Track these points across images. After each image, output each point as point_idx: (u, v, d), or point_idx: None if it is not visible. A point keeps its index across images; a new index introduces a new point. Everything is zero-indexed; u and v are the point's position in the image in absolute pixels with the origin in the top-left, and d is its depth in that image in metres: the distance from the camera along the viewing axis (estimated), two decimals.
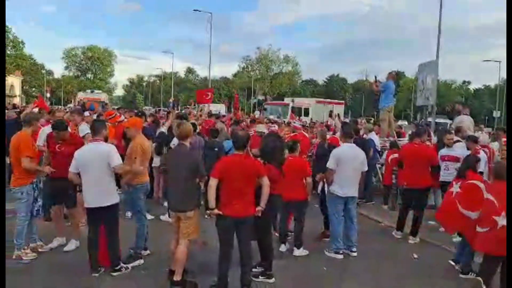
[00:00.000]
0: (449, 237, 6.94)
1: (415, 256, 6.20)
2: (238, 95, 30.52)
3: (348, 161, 6.04)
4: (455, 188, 5.47)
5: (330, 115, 15.88)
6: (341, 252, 6.06)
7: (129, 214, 6.90)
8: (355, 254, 6.17)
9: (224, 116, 18.43)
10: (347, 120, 30.55)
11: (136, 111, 12.05)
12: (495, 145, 8.91)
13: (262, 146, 5.35)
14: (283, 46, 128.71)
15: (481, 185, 5.21)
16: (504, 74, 65.20)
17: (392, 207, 9.02)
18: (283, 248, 6.14)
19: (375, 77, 12.25)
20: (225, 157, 4.92)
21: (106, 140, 5.44)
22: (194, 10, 32.49)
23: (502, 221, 4.59)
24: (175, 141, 6.68)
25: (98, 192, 4.94)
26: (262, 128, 9.72)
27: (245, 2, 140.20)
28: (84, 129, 7.06)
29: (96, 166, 4.91)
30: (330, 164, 6.02)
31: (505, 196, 4.63)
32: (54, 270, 5.18)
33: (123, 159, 5.38)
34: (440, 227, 7.46)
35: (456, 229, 5.92)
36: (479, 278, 4.83)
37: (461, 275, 5.44)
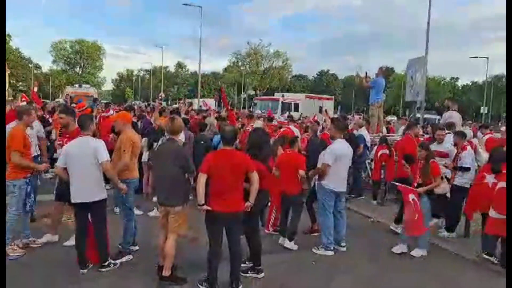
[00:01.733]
0: (436, 231, 7.07)
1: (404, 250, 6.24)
2: (228, 90, 30.42)
3: (343, 157, 6.09)
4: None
5: (320, 111, 15.94)
6: (331, 248, 6.09)
7: (117, 209, 6.85)
8: (344, 248, 6.22)
9: (215, 111, 18.34)
10: (336, 116, 30.88)
11: (125, 105, 11.83)
12: (475, 141, 9.09)
13: (248, 142, 5.34)
14: (275, 41, 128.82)
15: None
16: (491, 71, 66.04)
17: (380, 203, 9.09)
18: (289, 244, 6.17)
19: (366, 73, 12.29)
20: (213, 152, 4.89)
21: (94, 135, 5.37)
22: (184, 4, 31.99)
23: None
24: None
25: (86, 187, 4.88)
26: (259, 124, 9.69)
27: None
28: None
29: (84, 161, 4.85)
30: (328, 160, 6.02)
31: None
32: (41, 266, 5.13)
33: (111, 154, 5.33)
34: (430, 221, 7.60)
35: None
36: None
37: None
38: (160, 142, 7.76)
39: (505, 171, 5.71)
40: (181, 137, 6.59)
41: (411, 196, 6.05)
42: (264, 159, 5.16)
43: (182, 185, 4.81)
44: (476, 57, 45.03)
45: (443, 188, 6.36)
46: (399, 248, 6.14)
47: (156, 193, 5.36)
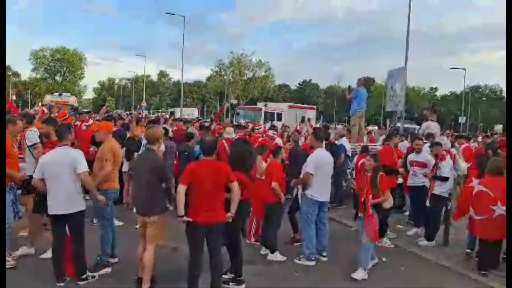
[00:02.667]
0: (415, 240, 7.16)
1: (384, 259, 6.29)
2: (210, 99, 30.41)
3: (324, 166, 6.13)
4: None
5: (302, 120, 16.00)
6: (313, 258, 6.09)
7: (96, 220, 6.73)
8: (325, 258, 6.23)
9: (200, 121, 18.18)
10: (319, 125, 31.10)
11: (105, 114, 11.61)
12: (454, 150, 9.27)
13: (230, 153, 5.34)
14: (257, 49, 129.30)
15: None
16: (468, 81, 67.69)
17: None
18: (272, 256, 6.13)
19: (349, 86, 12.43)
20: (193, 163, 4.87)
21: (73, 144, 5.29)
22: (167, 13, 31.95)
23: (498, 209, 5.44)
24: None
25: (64, 199, 4.78)
26: (230, 131, 9.52)
27: (221, 4, 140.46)
28: (31, 137, 6.01)
29: (62, 172, 4.76)
30: (310, 169, 6.04)
31: (499, 188, 5.48)
32: (18, 280, 4.97)
33: (90, 165, 5.25)
34: (407, 231, 7.71)
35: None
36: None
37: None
38: (140, 151, 7.73)
39: (487, 176, 5.90)
40: (162, 147, 6.55)
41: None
42: (247, 170, 5.16)
43: (159, 194, 4.78)
44: (455, 68, 46.16)
45: (390, 202, 6.16)
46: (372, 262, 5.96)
47: (134, 203, 5.29)
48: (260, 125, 12.54)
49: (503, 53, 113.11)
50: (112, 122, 8.97)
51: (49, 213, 4.87)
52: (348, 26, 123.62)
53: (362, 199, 5.65)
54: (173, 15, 31.56)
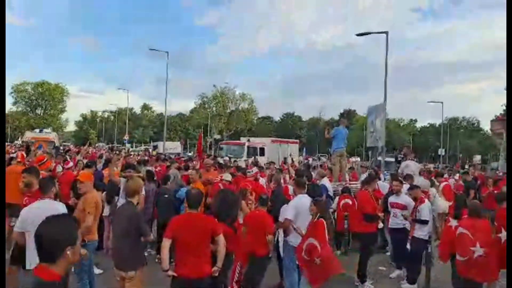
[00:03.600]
0: (398, 282, 7.16)
1: None
2: (194, 132, 30.40)
3: (305, 212, 6.11)
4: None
5: (285, 162, 16.10)
6: None
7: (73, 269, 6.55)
8: None
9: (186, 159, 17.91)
10: (301, 159, 31.24)
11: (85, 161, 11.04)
12: (433, 191, 9.40)
13: (215, 204, 5.32)
14: (240, 82, 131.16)
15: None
16: (446, 114, 69.51)
17: (344, 252, 9.15)
18: None
19: (327, 124, 12.67)
20: (177, 216, 4.85)
21: (56, 197, 5.23)
22: (150, 49, 32.22)
23: (477, 251, 5.50)
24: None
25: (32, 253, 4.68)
26: (228, 177, 9.09)
27: (206, 38, 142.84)
28: None
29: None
30: (289, 215, 6.01)
31: (478, 231, 5.57)
32: None
33: (70, 209, 5.18)
34: (390, 274, 7.72)
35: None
36: None
37: None
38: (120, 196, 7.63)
39: (465, 216, 6.00)
40: (142, 193, 6.49)
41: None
42: (232, 220, 5.14)
43: (137, 249, 4.71)
44: (433, 102, 47.48)
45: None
46: None
47: (112, 257, 5.19)
48: (251, 168, 12.36)
49: (478, 85, 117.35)
50: (93, 168, 8.89)
51: (27, 267, 4.73)
52: (328, 59, 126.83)
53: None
54: (157, 51, 31.83)
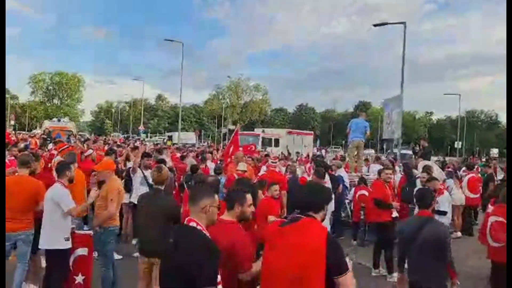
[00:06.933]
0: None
1: None
2: (208, 123, 30.34)
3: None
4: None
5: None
6: None
7: (95, 253, 6.67)
8: None
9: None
10: (315, 149, 31.13)
11: (106, 148, 11.33)
12: (451, 182, 9.32)
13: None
14: (255, 74, 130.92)
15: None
16: (463, 106, 68.47)
17: (361, 243, 9.15)
18: None
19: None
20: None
21: (71, 181, 5.32)
22: (166, 39, 32.30)
23: None
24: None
25: (43, 233, 4.86)
26: (243, 166, 8.85)
27: (218, 30, 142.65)
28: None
29: (46, 207, 4.85)
30: None
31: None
32: None
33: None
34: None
35: None
36: None
37: None
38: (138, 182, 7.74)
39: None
40: None
41: None
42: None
43: (169, 235, 4.72)
44: (449, 94, 46.62)
45: None
46: None
47: (138, 244, 5.25)
48: (276, 158, 12.17)
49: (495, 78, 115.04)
50: (113, 156, 9.00)
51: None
52: (342, 53, 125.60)
53: None
54: (172, 41, 31.90)
